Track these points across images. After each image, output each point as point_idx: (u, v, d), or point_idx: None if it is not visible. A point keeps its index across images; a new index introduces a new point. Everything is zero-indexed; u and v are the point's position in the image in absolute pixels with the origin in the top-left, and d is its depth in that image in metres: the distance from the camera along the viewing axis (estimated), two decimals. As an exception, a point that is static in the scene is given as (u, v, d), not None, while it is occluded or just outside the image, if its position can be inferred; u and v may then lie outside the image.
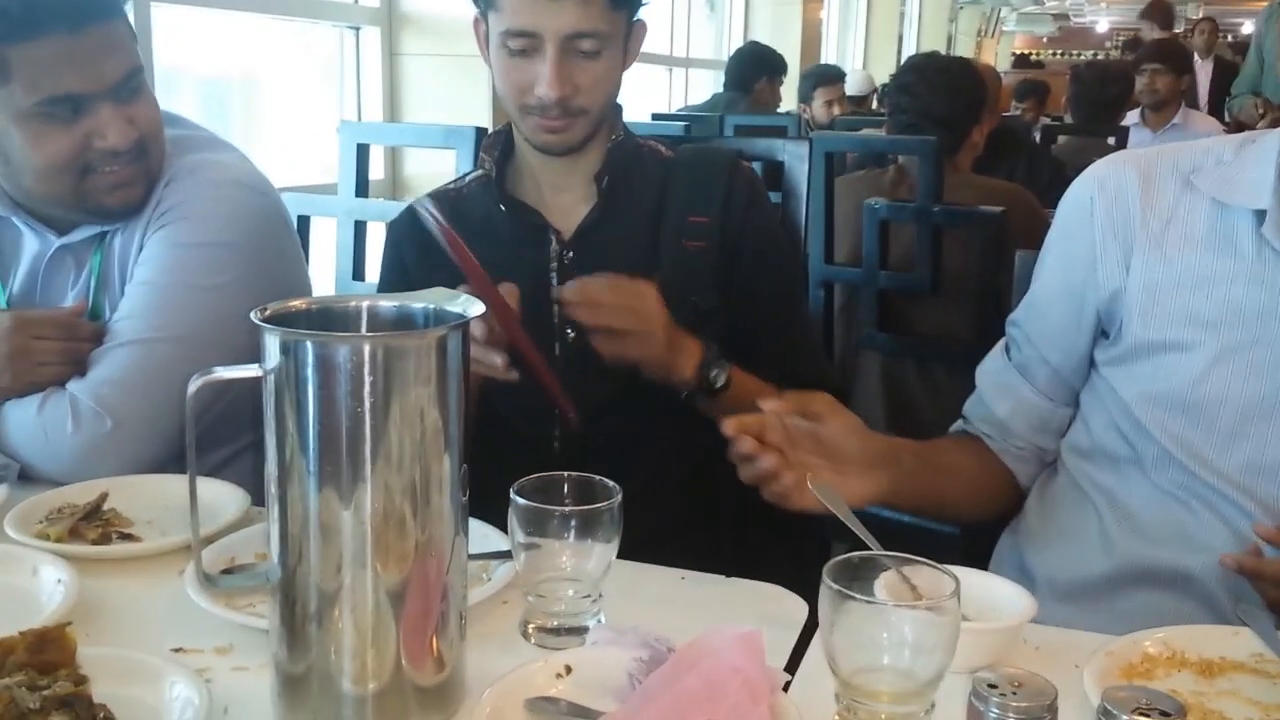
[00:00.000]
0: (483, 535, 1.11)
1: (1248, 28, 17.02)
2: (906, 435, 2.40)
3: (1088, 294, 1.26)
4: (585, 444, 1.38)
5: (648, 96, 5.94)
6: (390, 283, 1.51)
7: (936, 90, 2.56)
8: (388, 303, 0.85)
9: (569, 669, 0.88)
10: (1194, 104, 5.93)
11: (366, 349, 0.76)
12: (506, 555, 1.03)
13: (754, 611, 1.05)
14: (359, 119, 3.55)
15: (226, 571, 1.05)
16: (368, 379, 0.76)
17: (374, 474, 0.78)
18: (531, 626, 0.98)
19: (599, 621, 0.98)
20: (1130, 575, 1.21)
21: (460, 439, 0.82)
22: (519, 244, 1.45)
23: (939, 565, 0.84)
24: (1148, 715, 0.67)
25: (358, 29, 3.54)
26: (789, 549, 1.48)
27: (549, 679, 0.88)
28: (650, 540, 1.27)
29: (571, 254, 1.44)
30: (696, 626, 0.89)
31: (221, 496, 1.21)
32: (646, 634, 0.90)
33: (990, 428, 1.36)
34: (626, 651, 0.89)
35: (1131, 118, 4.51)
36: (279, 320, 0.79)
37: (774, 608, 1.06)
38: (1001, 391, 1.35)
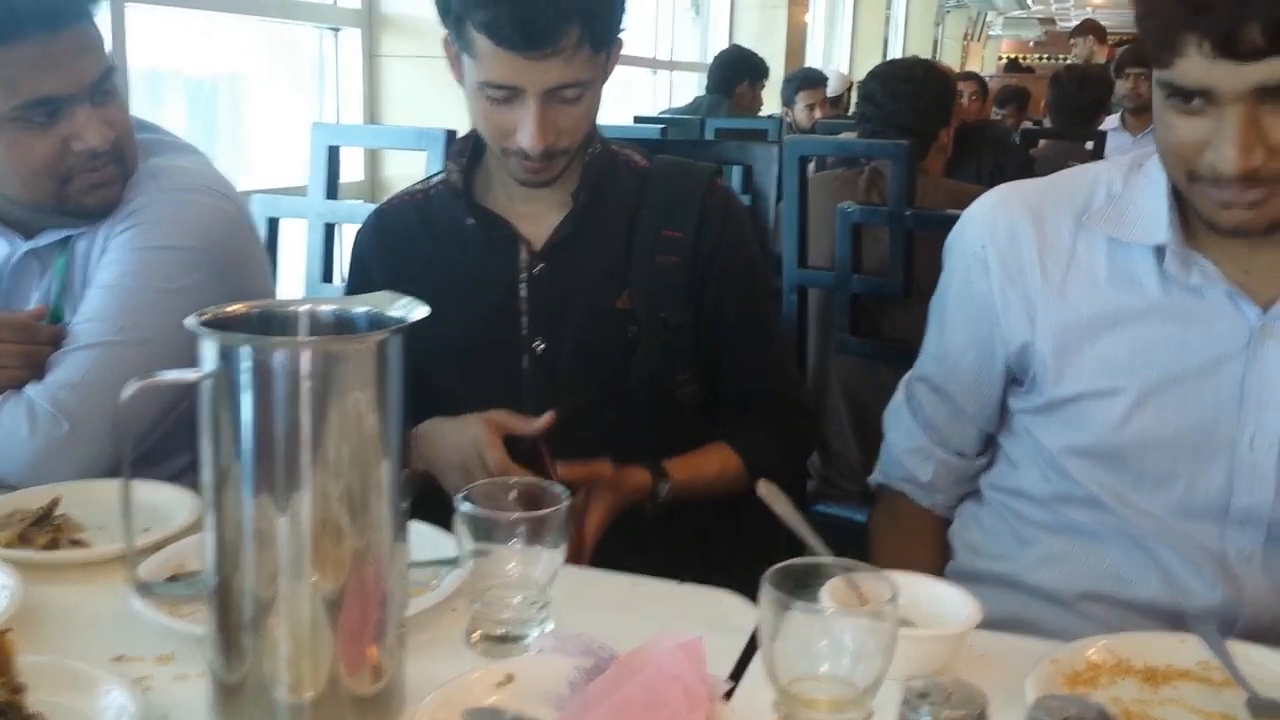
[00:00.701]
0: (433, 541, 1.11)
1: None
2: (877, 440, 2.42)
3: (996, 346, 1.23)
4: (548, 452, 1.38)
5: (631, 98, 5.94)
6: (357, 292, 1.50)
7: (900, 98, 2.57)
8: (328, 306, 0.84)
9: (510, 678, 0.88)
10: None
11: (303, 354, 0.75)
12: (456, 562, 1.03)
13: (704, 617, 1.04)
14: (338, 120, 3.55)
15: (173, 579, 1.05)
16: (305, 384, 0.75)
17: (311, 481, 0.77)
18: (477, 634, 0.98)
19: (546, 629, 0.98)
20: (1069, 599, 1.20)
21: (400, 445, 0.81)
22: (488, 253, 1.44)
23: (880, 571, 0.83)
24: (1076, 725, 0.67)
25: (337, 30, 3.54)
26: (750, 555, 1.48)
27: (489, 688, 0.87)
28: (611, 547, 1.28)
29: (542, 265, 1.42)
30: (646, 633, 0.88)
31: (172, 501, 1.20)
32: (589, 642, 0.90)
33: (913, 488, 1.36)
34: (569, 659, 0.89)
35: (1111, 122, 4.52)
36: (217, 324, 0.78)
37: (724, 613, 1.06)
38: (919, 456, 1.34)
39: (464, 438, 1.31)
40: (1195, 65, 0.99)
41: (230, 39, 3.28)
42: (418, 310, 0.79)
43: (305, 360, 0.75)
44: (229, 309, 0.81)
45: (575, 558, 1.22)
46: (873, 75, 2.70)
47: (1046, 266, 1.17)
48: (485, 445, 1.29)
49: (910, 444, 1.36)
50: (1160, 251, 1.12)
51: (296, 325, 0.83)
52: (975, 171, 3.39)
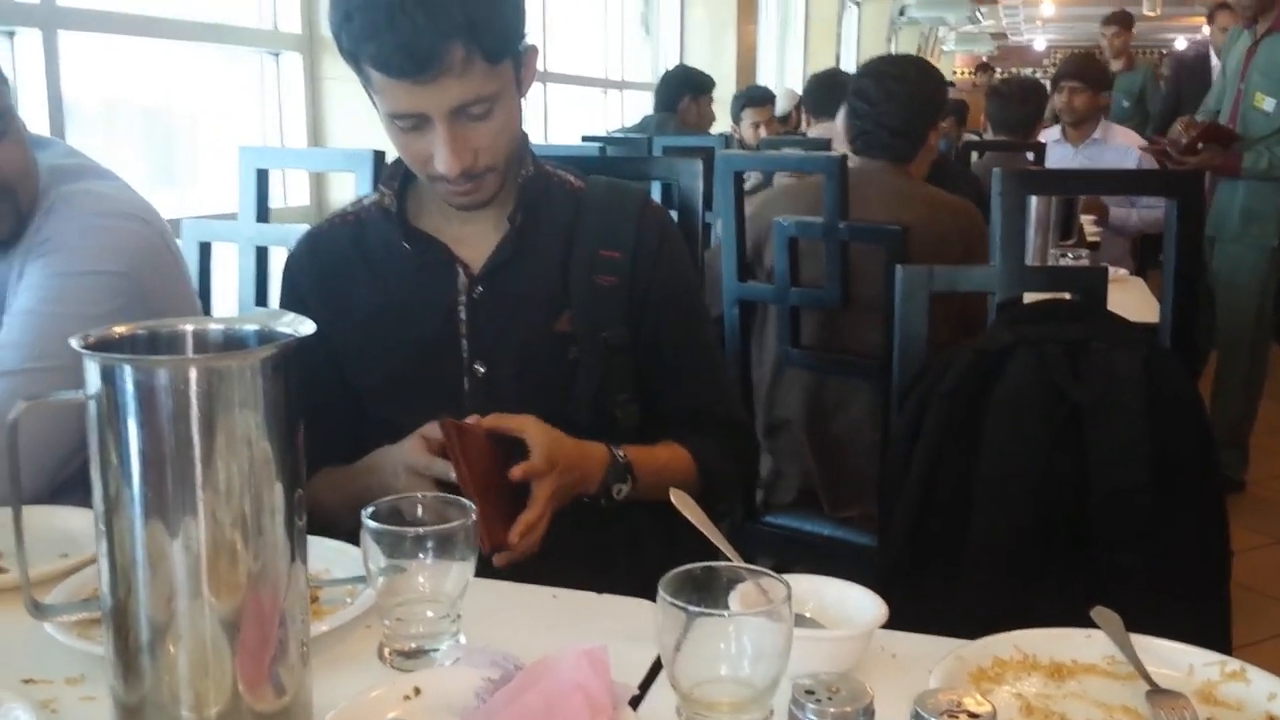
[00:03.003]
0: (355, 558, 1.10)
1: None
2: (827, 448, 2.44)
3: None
4: None
5: (583, 118, 5.96)
6: None
7: (894, 98, 2.44)
8: (217, 326, 0.84)
9: (418, 691, 0.88)
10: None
11: (185, 372, 0.75)
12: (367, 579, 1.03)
13: (620, 628, 1.05)
14: (282, 144, 3.54)
15: (86, 602, 1.04)
16: (189, 404, 0.75)
17: (201, 504, 0.77)
18: (388, 650, 0.98)
19: (456, 642, 0.98)
20: None
21: (293, 464, 0.81)
22: (425, 277, 1.43)
23: (774, 574, 0.84)
24: (955, 717, 0.68)
25: (278, 54, 3.53)
26: (682, 561, 1.48)
27: (396, 701, 0.87)
28: (552, 565, 1.28)
29: (481, 289, 1.42)
30: (558, 645, 0.89)
31: (90, 526, 1.19)
32: (496, 653, 0.90)
33: None
34: (476, 671, 0.89)
35: (1053, 133, 4.58)
36: (102, 345, 0.78)
37: (640, 623, 1.06)
38: None
39: (395, 458, 1.30)
40: None
41: (189, 66, 3.28)
42: (305, 326, 0.79)
43: (188, 379, 0.75)
44: (115, 330, 0.81)
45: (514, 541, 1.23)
46: (867, 71, 2.55)
47: None
48: (410, 454, 1.28)
49: None
50: None
51: (181, 344, 0.83)
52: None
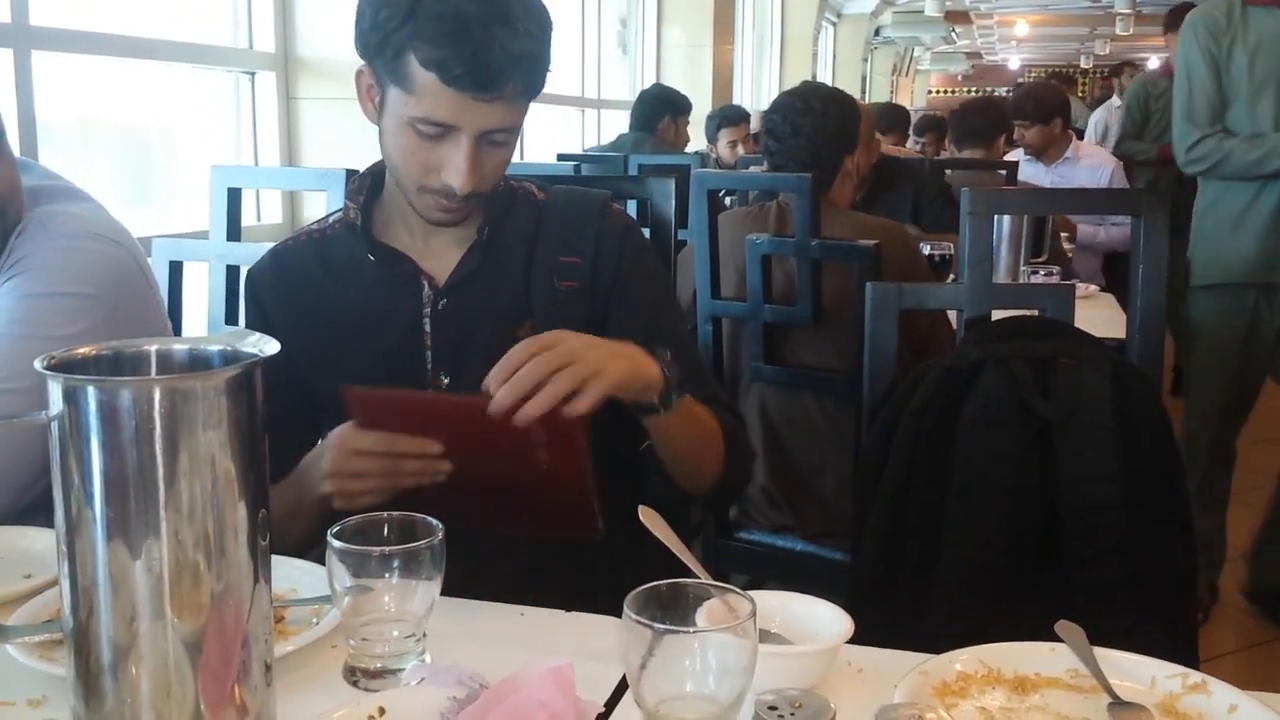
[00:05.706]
0: (323, 578, 1.10)
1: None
2: (800, 465, 2.45)
3: None
4: None
5: (560, 136, 5.98)
6: None
7: (800, 133, 2.53)
8: (181, 346, 0.84)
9: (383, 711, 0.88)
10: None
11: (148, 393, 0.75)
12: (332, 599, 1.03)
13: (586, 645, 1.05)
14: (256, 164, 3.54)
15: (49, 623, 1.03)
16: (152, 424, 0.75)
17: (164, 524, 0.77)
18: (353, 670, 0.97)
19: (422, 661, 0.98)
20: None
21: (257, 484, 0.81)
22: (389, 290, 1.43)
23: (740, 591, 0.85)
24: (915, 731, 0.68)
25: (253, 74, 3.53)
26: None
27: (360, 721, 0.87)
28: (528, 581, 1.28)
29: (445, 301, 1.43)
30: (525, 663, 0.89)
31: (54, 548, 1.19)
32: (461, 672, 0.90)
33: None
34: (441, 690, 0.89)
35: (1025, 152, 4.64)
36: (64, 366, 0.78)
37: (606, 641, 1.07)
38: None
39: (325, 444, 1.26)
40: None
41: (164, 85, 3.27)
42: (269, 346, 0.79)
43: (150, 399, 0.74)
44: (79, 350, 0.80)
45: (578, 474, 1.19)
46: (774, 108, 2.64)
47: None
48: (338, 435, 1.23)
49: None
50: None
51: (145, 365, 0.83)
52: (891, 207, 3.43)
